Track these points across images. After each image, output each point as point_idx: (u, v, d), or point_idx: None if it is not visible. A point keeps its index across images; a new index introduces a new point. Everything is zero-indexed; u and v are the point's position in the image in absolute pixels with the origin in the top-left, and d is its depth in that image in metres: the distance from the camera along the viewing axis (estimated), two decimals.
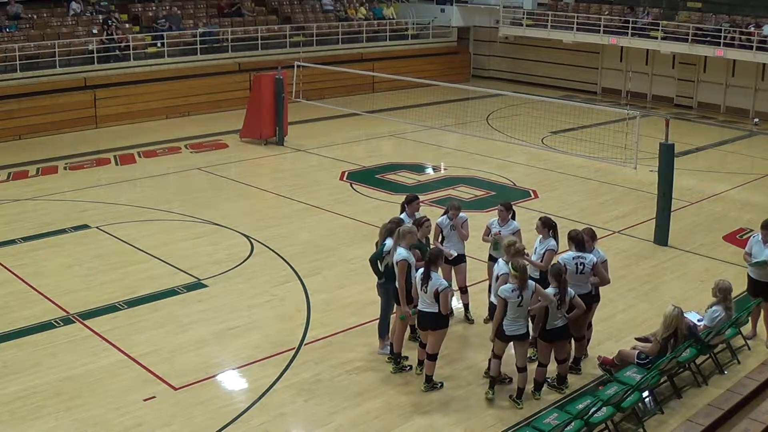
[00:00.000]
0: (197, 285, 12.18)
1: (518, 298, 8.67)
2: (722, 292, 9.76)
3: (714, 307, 9.78)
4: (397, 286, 9.37)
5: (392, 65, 28.28)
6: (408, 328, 10.02)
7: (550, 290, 8.83)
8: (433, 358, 9.20)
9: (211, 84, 25.30)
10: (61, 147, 20.72)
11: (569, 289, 8.89)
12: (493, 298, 9.27)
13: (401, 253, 9.34)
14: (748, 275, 10.61)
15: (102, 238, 14.16)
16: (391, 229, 9.69)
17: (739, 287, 10.74)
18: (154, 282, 12.22)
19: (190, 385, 9.33)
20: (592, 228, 10.10)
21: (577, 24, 28.74)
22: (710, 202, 17.01)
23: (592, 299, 9.61)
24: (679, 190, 15.72)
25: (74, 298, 11.58)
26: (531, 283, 8.83)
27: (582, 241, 9.52)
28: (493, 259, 10.58)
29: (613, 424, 8.40)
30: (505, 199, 12.44)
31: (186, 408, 8.86)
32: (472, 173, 18.78)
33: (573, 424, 7.85)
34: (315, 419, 8.78)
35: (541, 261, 9.82)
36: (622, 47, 29.08)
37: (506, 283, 8.81)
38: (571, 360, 9.54)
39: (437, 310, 8.94)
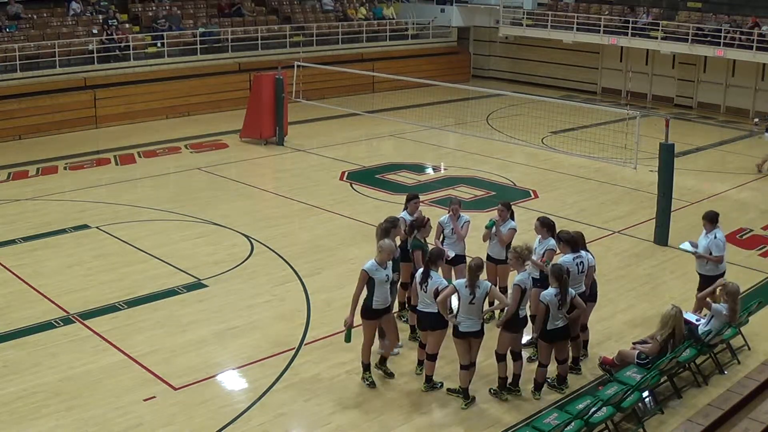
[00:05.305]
0: (197, 285, 12.18)
1: (470, 295, 8.70)
2: (730, 296, 9.76)
3: (721, 305, 9.79)
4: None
5: (392, 65, 28.26)
6: (408, 328, 10.02)
7: (551, 290, 8.83)
8: (432, 358, 9.20)
9: (211, 84, 25.29)
10: (61, 147, 20.71)
11: (570, 289, 8.90)
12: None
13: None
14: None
15: (102, 238, 14.16)
16: (386, 228, 9.71)
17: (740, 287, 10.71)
18: (154, 282, 12.22)
19: (190, 385, 9.33)
20: (581, 232, 10.12)
21: (577, 24, 28.73)
22: (710, 202, 16.98)
23: (587, 299, 9.61)
24: (679, 190, 15.71)
25: (74, 298, 11.58)
26: (486, 283, 8.87)
27: (576, 241, 9.54)
28: (492, 260, 10.59)
29: (613, 424, 8.41)
30: (505, 198, 12.43)
31: (186, 408, 8.86)
32: (472, 173, 18.78)
33: (573, 424, 7.86)
34: (315, 419, 8.78)
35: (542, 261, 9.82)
36: (622, 47, 29.07)
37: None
38: (569, 360, 9.54)
39: (437, 310, 8.95)
